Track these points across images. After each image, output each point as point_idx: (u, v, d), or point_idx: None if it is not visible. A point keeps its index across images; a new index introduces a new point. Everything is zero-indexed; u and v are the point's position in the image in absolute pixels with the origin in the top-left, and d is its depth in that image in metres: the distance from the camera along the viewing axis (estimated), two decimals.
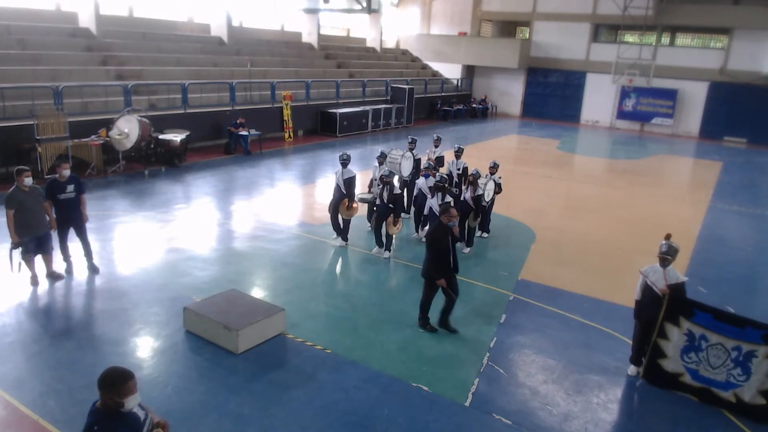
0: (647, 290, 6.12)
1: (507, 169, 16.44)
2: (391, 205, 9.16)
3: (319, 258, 9.26)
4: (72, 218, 7.73)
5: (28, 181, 7.19)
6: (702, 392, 5.81)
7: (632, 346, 6.42)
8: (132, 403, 3.14)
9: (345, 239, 9.77)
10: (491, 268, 9.19)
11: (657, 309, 5.95)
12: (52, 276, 7.64)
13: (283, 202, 12.59)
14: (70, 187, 7.62)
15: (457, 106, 30.08)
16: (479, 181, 9.84)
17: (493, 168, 10.54)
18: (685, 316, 5.80)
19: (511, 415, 5.44)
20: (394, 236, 9.67)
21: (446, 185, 8.95)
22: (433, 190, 8.84)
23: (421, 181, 10.01)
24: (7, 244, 8.20)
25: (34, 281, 7.43)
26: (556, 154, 21.44)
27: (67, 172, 7.55)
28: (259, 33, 24.54)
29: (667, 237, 6.25)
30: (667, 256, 6.01)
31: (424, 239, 9.72)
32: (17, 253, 7.22)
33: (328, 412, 5.30)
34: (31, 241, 7.29)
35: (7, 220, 7.09)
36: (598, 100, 30.35)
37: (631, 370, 6.32)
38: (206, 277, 8.09)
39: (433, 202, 8.70)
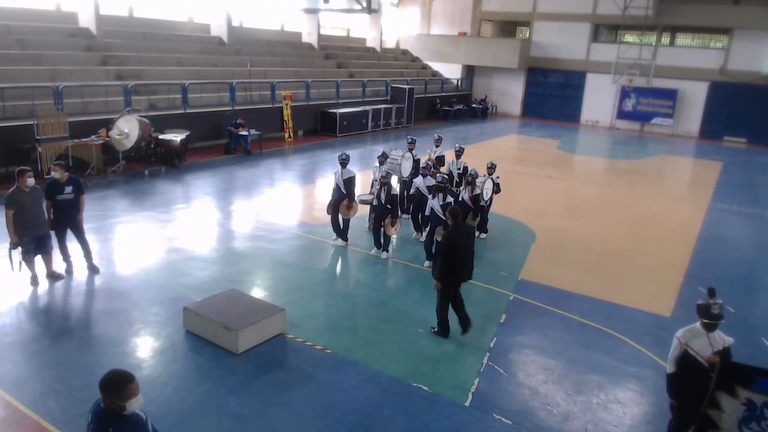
0: (688, 362, 4.79)
1: (507, 169, 16.47)
2: (388, 206, 9.16)
3: (319, 258, 9.26)
4: (70, 219, 7.72)
5: (30, 181, 7.21)
6: None
7: (669, 427, 5.12)
8: (134, 406, 3.16)
9: (345, 239, 9.77)
10: (491, 268, 9.19)
11: (704, 382, 4.71)
12: (52, 276, 7.64)
13: (283, 202, 12.59)
14: (69, 189, 7.61)
15: (457, 106, 30.07)
16: (477, 181, 9.86)
17: (491, 168, 10.53)
18: (743, 384, 4.73)
19: (511, 415, 5.44)
20: (392, 237, 9.68)
21: (447, 185, 8.92)
22: (434, 190, 8.80)
23: (418, 180, 10.02)
24: (8, 244, 8.21)
25: (35, 281, 7.43)
26: (556, 154, 21.44)
27: (56, 174, 7.54)
28: (259, 33, 24.53)
29: (711, 293, 4.81)
30: (719, 321, 4.72)
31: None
32: (17, 253, 7.22)
33: (328, 412, 5.30)
34: (32, 241, 7.30)
35: (6, 221, 7.09)
36: (598, 100, 30.34)
37: None
38: (206, 277, 8.09)
39: (434, 203, 8.67)
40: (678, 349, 4.81)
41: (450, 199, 8.79)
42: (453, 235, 6.60)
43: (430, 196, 8.95)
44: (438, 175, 9.45)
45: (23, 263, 7.31)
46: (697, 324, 4.77)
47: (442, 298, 6.71)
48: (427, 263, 8.99)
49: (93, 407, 3.24)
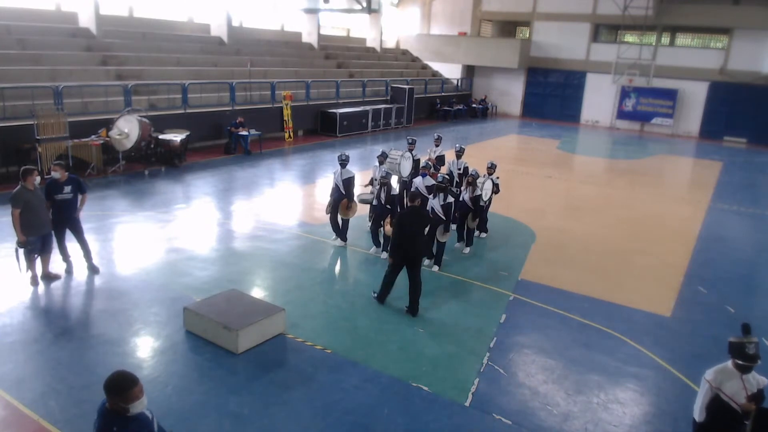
0: (719, 407, 4.21)
1: (507, 169, 16.47)
2: (388, 206, 9.15)
3: (319, 258, 9.26)
4: (68, 219, 7.72)
5: (37, 180, 7.25)
6: None
7: None
8: (138, 408, 3.15)
9: (344, 239, 9.77)
10: (491, 268, 9.19)
11: (738, 430, 4.25)
12: (48, 277, 7.61)
13: (283, 202, 12.59)
14: (68, 188, 7.61)
15: (457, 106, 30.07)
16: (477, 182, 9.85)
17: (491, 168, 10.51)
18: None
19: (511, 415, 5.44)
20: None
21: (447, 185, 8.90)
22: (435, 190, 8.77)
23: (417, 180, 10.01)
24: (8, 244, 8.22)
25: (35, 281, 7.43)
26: (556, 154, 21.44)
27: (57, 174, 7.54)
28: (259, 33, 24.53)
29: (746, 329, 4.23)
30: (756, 362, 4.14)
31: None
32: (23, 253, 7.23)
33: (328, 412, 5.30)
34: (37, 241, 7.33)
35: (13, 219, 7.10)
36: (598, 100, 30.34)
37: None
38: (206, 277, 8.09)
39: (435, 203, 8.63)
40: (709, 394, 4.20)
41: (451, 199, 8.77)
42: (405, 214, 7.47)
43: (430, 196, 8.92)
44: (439, 175, 9.42)
45: (26, 263, 7.32)
46: (729, 363, 4.19)
47: (391, 267, 7.46)
48: (426, 261, 8.96)
49: (99, 406, 3.26)
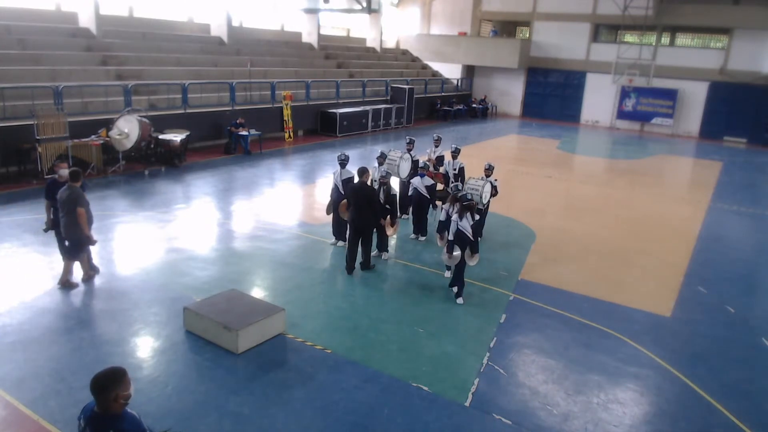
0: None
1: (507, 169, 16.48)
2: (387, 206, 9.13)
3: (319, 258, 9.26)
4: None
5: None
6: None
7: None
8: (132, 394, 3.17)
9: (344, 239, 9.76)
10: (491, 268, 9.18)
11: None
12: (65, 284, 7.57)
13: (283, 202, 12.59)
14: None
15: (457, 106, 30.06)
16: (477, 184, 9.83)
17: (489, 170, 10.29)
18: None
19: (511, 415, 5.44)
20: (391, 237, 9.66)
21: (473, 202, 7.95)
22: (461, 210, 7.76)
23: (416, 181, 9.97)
24: (8, 244, 8.22)
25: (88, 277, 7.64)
26: (556, 154, 21.44)
27: (64, 172, 7.53)
28: (259, 33, 24.54)
29: None
30: None
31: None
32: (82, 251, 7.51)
33: (328, 412, 5.30)
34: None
35: (81, 218, 7.23)
36: (598, 100, 30.34)
37: None
38: (206, 277, 8.09)
39: (464, 224, 7.72)
40: None
41: (477, 216, 8.02)
42: (350, 193, 8.59)
43: (455, 216, 7.83)
44: (464, 194, 8.60)
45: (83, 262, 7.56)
46: None
47: (351, 239, 8.50)
48: (460, 300, 7.85)
49: (84, 413, 3.18)
